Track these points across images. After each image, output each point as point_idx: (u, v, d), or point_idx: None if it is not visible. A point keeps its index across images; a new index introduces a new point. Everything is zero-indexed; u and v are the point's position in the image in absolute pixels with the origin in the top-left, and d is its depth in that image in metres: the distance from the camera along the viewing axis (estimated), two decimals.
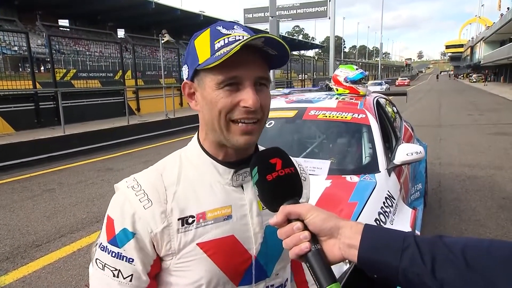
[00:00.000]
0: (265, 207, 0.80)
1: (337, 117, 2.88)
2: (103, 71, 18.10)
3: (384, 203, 2.10)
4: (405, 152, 2.59)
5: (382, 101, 3.67)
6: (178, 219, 0.72)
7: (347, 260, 0.61)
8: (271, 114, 2.99)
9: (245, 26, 0.77)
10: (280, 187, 0.67)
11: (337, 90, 3.62)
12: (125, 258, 0.72)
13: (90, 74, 16.98)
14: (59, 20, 32.56)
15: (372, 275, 0.59)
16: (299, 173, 0.92)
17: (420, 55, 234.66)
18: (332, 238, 0.61)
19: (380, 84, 32.29)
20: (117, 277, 0.72)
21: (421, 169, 3.98)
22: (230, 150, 0.77)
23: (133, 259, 0.72)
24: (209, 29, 0.74)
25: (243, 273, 0.77)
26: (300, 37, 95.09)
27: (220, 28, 0.73)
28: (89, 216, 4.52)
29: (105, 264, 0.73)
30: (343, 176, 2.36)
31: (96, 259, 0.75)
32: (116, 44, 14.75)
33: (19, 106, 10.28)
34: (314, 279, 0.59)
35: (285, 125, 3.02)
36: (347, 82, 3.52)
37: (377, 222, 1.91)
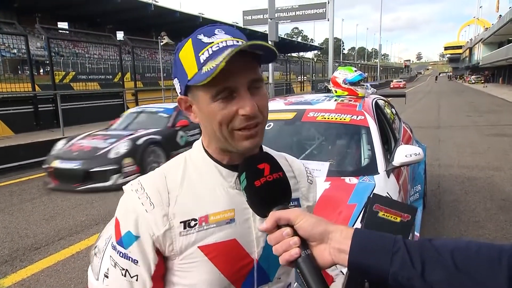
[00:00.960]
0: None
1: (336, 119, 2.88)
2: (102, 74, 18.13)
3: None
4: (404, 153, 2.59)
5: (381, 102, 3.68)
6: (180, 222, 0.73)
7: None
8: (270, 116, 2.99)
9: (227, 25, 0.75)
10: (269, 193, 0.67)
11: (336, 92, 3.62)
12: (130, 259, 0.74)
13: (89, 77, 17.00)
14: (58, 23, 32.59)
15: (363, 279, 0.59)
16: (306, 176, 0.93)
17: (419, 57, 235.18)
18: (323, 243, 0.61)
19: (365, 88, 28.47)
20: (125, 276, 0.75)
21: (420, 170, 3.98)
22: (235, 154, 0.77)
23: (137, 261, 0.73)
24: (190, 39, 0.72)
25: (244, 277, 0.77)
26: (299, 39, 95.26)
27: (201, 36, 0.72)
28: (88, 218, 4.51)
29: (116, 262, 0.76)
30: (342, 178, 2.36)
31: (110, 256, 0.78)
32: (115, 47, 14.77)
33: (18, 109, 10.28)
34: (305, 285, 0.59)
35: (284, 127, 3.02)
36: (346, 84, 3.53)
37: None
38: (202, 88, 0.69)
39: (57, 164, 5.70)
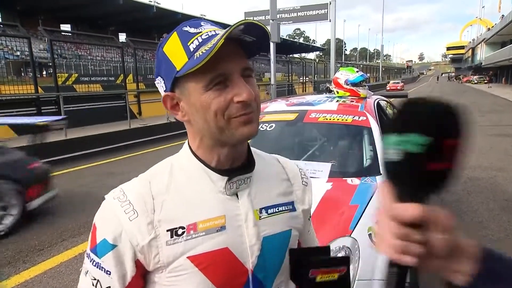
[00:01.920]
0: (262, 217, 0.75)
1: (338, 119, 2.88)
2: (105, 75, 18.19)
3: None
4: None
5: (383, 103, 3.67)
6: (167, 230, 0.68)
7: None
8: (272, 117, 3.00)
9: (210, 20, 0.74)
10: None
11: (338, 92, 3.62)
12: (103, 269, 0.68)
13: (91, 78, 17.08)
14: (61, 25, 32.74)
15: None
16: (300, 178, 0.87)
17: (421, 57, 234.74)
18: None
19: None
20: (96, 286, 0.69)
21: None
22: (223, 157, 0.72)
23: (110, 272, 0.68)
24: (175, 32, 0.70)
25: None
26: (301, 40, 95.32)
27: (187, 28, 0.69)
28: (90, 220, 4.45)
29: (88, 271, 0.71)
30: (344, 178, 2.36)
31: (83, 263, 0.73)
32: (117, 48, 14.81)
33: (21, 111, 10.31)
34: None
35: (286, 128, 3.02)
36: (348, 85, 3.53)
37: None
38: (194, 78, 0.66)
39: None
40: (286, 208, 0.80)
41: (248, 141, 0.77)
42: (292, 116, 3.01)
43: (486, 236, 3.77)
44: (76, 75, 17.24)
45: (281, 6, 19.06)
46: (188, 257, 0.68)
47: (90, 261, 0.70)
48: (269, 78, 15.26)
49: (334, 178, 2.36)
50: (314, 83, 31.35)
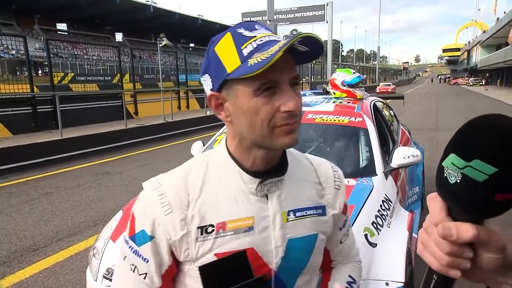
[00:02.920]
0: (289, 219, 0.76)
1: (335, 120, 2.89)
2: (101, 75, 18.14)
3: (381, 206, 2.11)
4: (402, 155, 2.60)
5: (379, 104, 3.69)
6: (198, 228, 0.71)
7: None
8: None
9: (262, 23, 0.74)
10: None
11: (335, 93, 3.64)
12: (141, 256, 0.73)
13: (88, 78, 17.03)
14: (57, 24, 32.61)
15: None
16: (333, 181, 0.86)
17: (417, 59, 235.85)
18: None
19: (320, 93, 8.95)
20: (134, 271, 0.73)
21: (418, 172, 3.99)
22: (259, 159, 0.74)
23: (148, 260, 0.72)
24: (229, 33, 0.69)
25: None
26: None
27: (241, 30, 0.69)
28: (86, 220, 4.51)
29: (126, 256, 0.75)
30: None
31: (121, 248, 0.77)
32: (114, 48, 14.76)
33: (17, 110, 10.26)
34: None
35: None
36: (344, 86, 3.54)
37: (374, 225, 1.92)
38: (244, 81, 0.66)
39: None
40: (315, 212, 0.81)
41: None
42: None
43: None
44: (72, 74, 17.16)
45: (278, 7, 19.09)
46: (215, 254, 0.71)
47: (129, 248, 0.74)
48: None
49: None
50: (311, 84, 31.39)
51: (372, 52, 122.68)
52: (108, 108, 13.10)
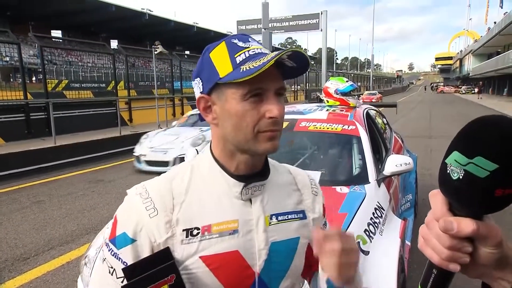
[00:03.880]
0: (272, 223, 0.79)
1: (328, 128, 2.92)
2: (96, 82, 18.07)
3: (373, 214, 2.12)
4: (395, 163, 2.62)
5: (372, 112, 3.73)
6: (183, 230, 0.72)
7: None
8: None
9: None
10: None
11: (328, 101, 3.67)
12: (121, 260, 0.72)
13: (82, 85, 16.93)
14: (52, 31, 32.55)
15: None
16: (310, 187, 0.90)
17: (410, 67, 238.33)
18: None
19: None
20: (112, 274, 0.73)
21: (411, 180, 4.02)
22: (242, 164, 0.77)
23: (127, 263, 0.72)
24: (224, 42, 0.74)
25: None
26: None
27: (235, 41, 0.74)
28: (79, 228, 4.46)
29: (105, 258, 0.75)
30: (333, 187, 2.38)
31: (102, 250, 0.78)
32: (109, 55, 14.75)
33: (10, 117, 10.17)
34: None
35: None
36: (338, 94, 3.58)
37: (367, 233, 1.92)
38: (234, 86, 0.70)
39: None
40: (297, 216, 0.84)
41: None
42: None
43: None
44: (67, 81, 17.07)
45: (273, 15, 19.24)
46: (200, 257, 0.72)
47: (109, 250, 0.74)
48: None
49: (323, 187, 2.36)
50: (305, 92, 31.56)
51: (366, 60, 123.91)
52: (102, 115, 13.05)
